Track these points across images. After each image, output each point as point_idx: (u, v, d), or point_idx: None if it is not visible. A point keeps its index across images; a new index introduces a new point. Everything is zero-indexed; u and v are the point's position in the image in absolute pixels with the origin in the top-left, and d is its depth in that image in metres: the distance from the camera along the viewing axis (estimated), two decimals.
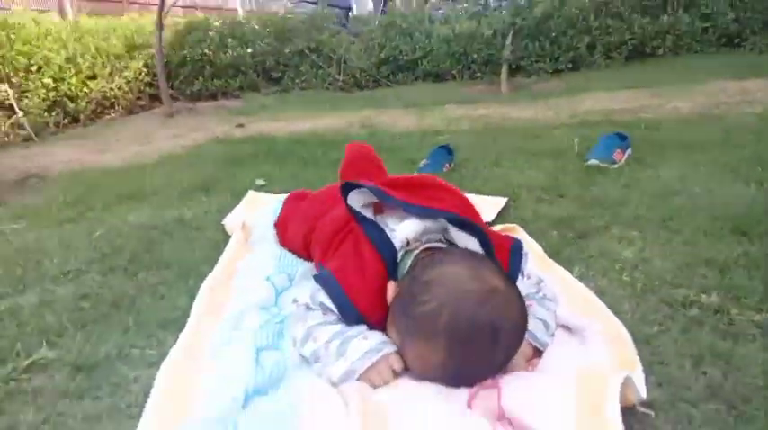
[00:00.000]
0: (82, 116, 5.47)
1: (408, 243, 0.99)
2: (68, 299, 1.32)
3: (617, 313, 1.06)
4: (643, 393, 0.81)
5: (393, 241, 0.97)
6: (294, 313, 1.05)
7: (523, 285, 1.00)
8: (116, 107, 5.94)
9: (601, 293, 1.15)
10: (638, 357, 0.91)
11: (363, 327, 0.96)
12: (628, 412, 0.81)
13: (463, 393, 0.85)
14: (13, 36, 4.61)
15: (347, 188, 1.00)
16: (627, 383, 0.79)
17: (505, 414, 0.79)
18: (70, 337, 1.15)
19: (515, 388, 0.82)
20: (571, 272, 1.25)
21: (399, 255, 0.98)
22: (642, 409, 0.81)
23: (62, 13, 6.56)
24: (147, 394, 0.92)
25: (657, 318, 1.06)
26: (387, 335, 0.95)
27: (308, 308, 1.01)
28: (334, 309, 0.97)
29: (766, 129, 2.33)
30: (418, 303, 0.85)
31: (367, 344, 0.91)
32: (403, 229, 0.98)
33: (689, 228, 1.42)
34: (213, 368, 0.96)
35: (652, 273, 1.23)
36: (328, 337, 0.94)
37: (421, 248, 0.99)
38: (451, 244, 1.00)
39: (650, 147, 2.23)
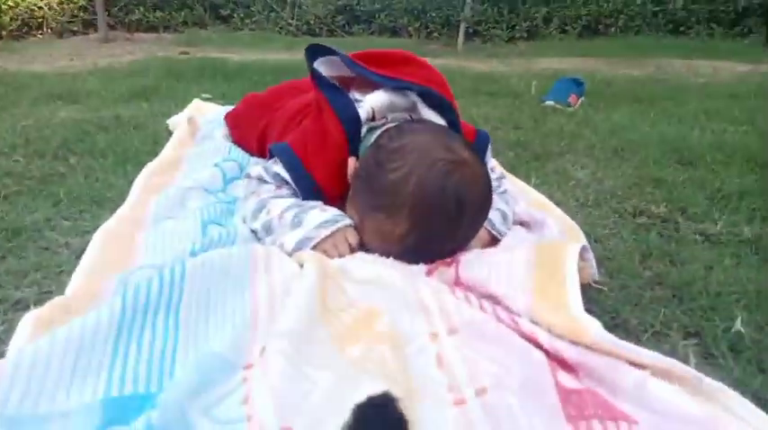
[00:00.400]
0: (4, 33, 5.03)
1: (374, 117, 0.93)
2: None
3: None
4: (595, 273, 0.82)
5: (358, 110, 0.91)
6: (245, 186, 0.99)
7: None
8: (44, 28, 5.50)
9: (555, 203, 1.16)
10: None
11: (320, 202, 0.91)
12: (582, 290, 0.83)
13: (422, 267, 0.82)
14: None
15: (313, 53, 0.93)
16: (584, 260, 0.79)
17: (462, 281, 0.78)
18: None
19: (473, 260, 0.80)
20: (528, 183, 1.25)
21: (363, 130, 0.93)
22: (596, 285, 0.82)
23: None
24: (78, 257, 0.85)
25: (608, 223, 1.08)
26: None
27: (260, 181, 0.95)
28: (290, 181, 0.92)
29: (709, 93, 2.43)
30: (385, 170, 0.81)
31: (324, 215, 0.86)
32: (369, 100, 0.92)
33: (639, 156, 1.46)
34: (155, 234, 0.89)
35: (604, 189, 1.25)
36: (283, 208, 0.88)
37: (387, 126, 0.93)
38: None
39: (603, 98, 2.29)
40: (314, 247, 0.84)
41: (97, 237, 0.87)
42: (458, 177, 0.79)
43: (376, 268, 0.79)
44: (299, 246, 0.83)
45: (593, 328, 0.62)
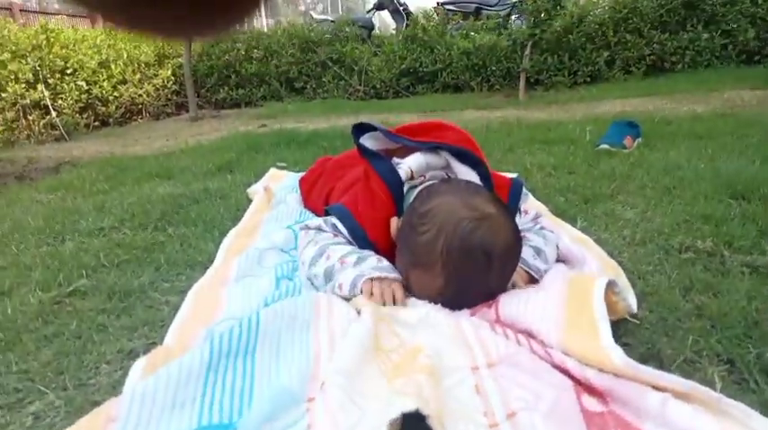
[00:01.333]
0: (111, 119, 5.69)
1: (412, 176, 1.05)
2: (103, 246, 1.42)
3: (615, 258, 1.12)
4: (633, 305, 0.88)
5: (399, 172, 1.04)
6: (303, 236, 1.10)
7: (521, 220, 1.09)
8: (143, 113, 6.17)
9: (601, 243, 1.21)
10: (629, 283, 0.97)
11: (375, 254, 1.03)
12: (618, 324, 0.88)
13: (465, 311, 0.92)
14: (51, 40, 4.85)
15: (358, 130, 1.09)
16: (616, 294, 0.86)
17: (501, 319, 0.86)
18: (106, 272, 1.25)
19: (511, 300, 0.89)
20: (574, 225, 1.31)
21: (405, 188, 1.05)
22: (632, 318, 0.88)
23: (94, 22, 6.82)
24: (177, 313, 1.01)
25: (653, 260, 1.12)
26: None
27: (319, 230, 1.09)
28: (346, 233, 1.05)
29: None
30: (417, 233, 0.92)
31: (380, 264, 0.98)
32: (407, 161, 1.06)
33: (690, 193, 1.48)
34: (237, 289, 1.04)
35: (651, 228, 1.29)
36: (343, 253, 1.00)
37: (425, 185, 1.05)
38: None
39: (661, 137, 2.29)
40: (365, 283, 0.94)
41: (190, 295, 1.04)
42: (482, 232, 0.88)
43: (425, 309, 0.90)
44: (354, 283, 0.94)
45: (616, 355, 0.69)
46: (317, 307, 0.87)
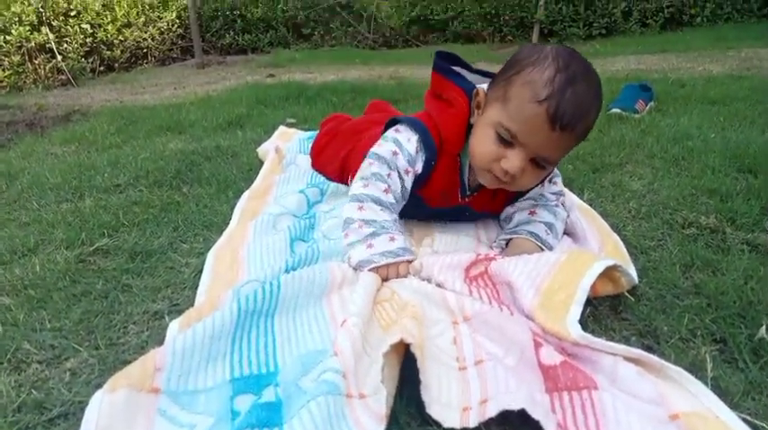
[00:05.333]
0: (117, 64, 5.63)
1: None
2: (121, 204, 1.46)
3: (620, 231, 1.16)
4: (635, 278, 0.93)
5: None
6: (365, 167, 1.11)
7: (546, 188, 1.13)
8: (149, 57, 6.08)
9: (606, 215, 1.24)
10: (629, 258, 1.02)
11: (394, 230, 1.05)
12: (618, 299, 0.93)
13: (466, 258, 0.97)
14: None
15: (438, 57, 1.10)
16: (619, 271, 0.90)
17: (489, 272, 0.92)
18: (126, 232, 1.29)
19: (509, 259, 0.93)
20: (581, 197, 1.34)
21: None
22: (627, 294, 0.92)
23: None
24: (197, 275, 1.06)
25: (656, 235, 1.16)
26: None
27: (377, 176, 1.08)
28: (411, 149, 1.08)
29: None
30: (524, 64, 0.95)
31: (390, 245, 1.02)
32: (478, 85, 1.07)
33: (698, 165, 1.49)
34: (256, 251, 1.09)
35: (657, 200, 1.31)
36: (367, 219, 1.04)
37: None
38: None
39: (673, 101, 2.28)
40: (371, 269, 1.00)
41: (210, 257, 1.09)
42: (586, 64, 0.96)
43: (419, 284, 0.96)
44: (360, 264, 1.00)
45: (574, 332, 0.74)
46: (332, 277, 0.93)
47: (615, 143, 1.75)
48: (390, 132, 1.12)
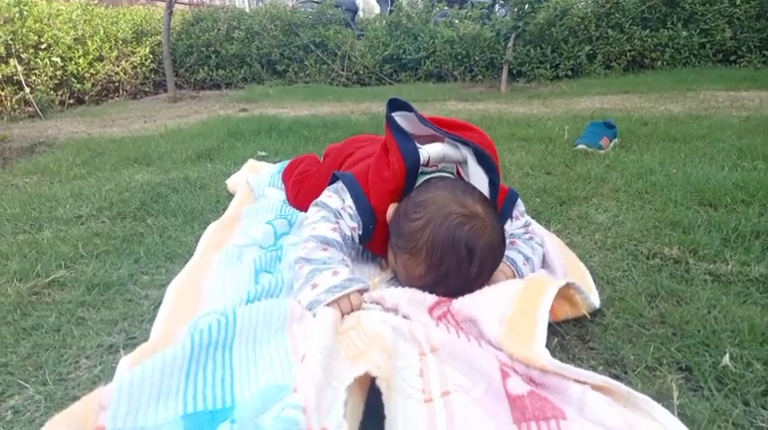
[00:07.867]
0: (87, 97, 5.57)
1: (428, 163, 1.07)
2: (82, 236, 1.41)
3: (586, 262, 1.16)
4: (596, 302, 0.93)
5: (420, 153, 1.06)
6: (311, 213, 1.13)
7: (511, 226, 1.14)
8: (120, 91, 6.05)
9: (573, 246, 1.26)
10: (594, 286, 1.02)
11: (337, 265, 1.02)
12: (585, 329, 0.93)
13: (428, 300, 0.95)
14: (25, 13, 4.71)
15: (391, 105, 1.09)
16: (578, 292, 0.90)
17: (451, 310, 0.90)
18: (85, 263, 1.25)
19: (468, 296, 0.92)
20: (548, 229, 1.35)
21: (419, 171, 1.07)
22: (586, 314, 0.93)
23: None
24: (156, 308, 1.02)
25: (622, 265, 1.17)
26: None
27: (324, 205, 1.11)
28: (351, 203, 1.09)
29: (749, 128, 2.44)
30: (409, 220, 0.99)
31: (334, 280, 0.97)
32: (428, 148, 1.08)
33: (661, 199, 1.53)
34: (218, 283, 1.06)
35: (622, 232, 1.33)
36: (307, 259, 1.02)
37: (434, 175, 1.09)
38: (461, 178, 1.10)
39: (636, 138, 2.35)
40: (321, 309, 0.95)
41: (171, 289, 1.05)
42: (468, 228, 0.94)
43: (386, 315, 0.94)
44: (310, 306, 0.94)
45: (544, 357, 0.73)
46: (291, 311, 0.90)
47: (581, 177, 1.78)
48: (334, 187, 1.16)
